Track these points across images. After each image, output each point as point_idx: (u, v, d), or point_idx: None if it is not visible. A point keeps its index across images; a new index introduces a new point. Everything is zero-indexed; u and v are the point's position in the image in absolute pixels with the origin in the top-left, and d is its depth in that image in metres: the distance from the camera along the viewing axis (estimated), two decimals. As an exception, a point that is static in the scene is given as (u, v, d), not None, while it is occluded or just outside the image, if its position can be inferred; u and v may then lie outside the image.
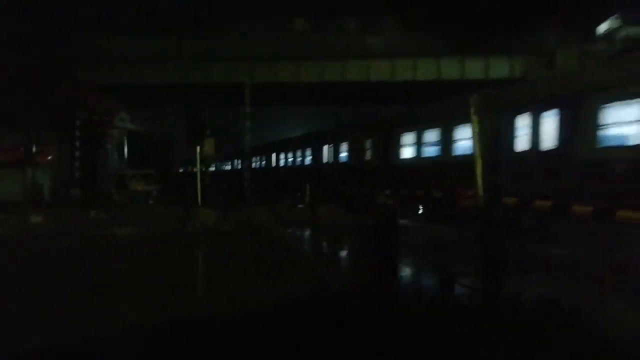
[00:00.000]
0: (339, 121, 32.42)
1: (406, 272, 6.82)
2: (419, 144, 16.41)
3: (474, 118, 9.26)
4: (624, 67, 10.68)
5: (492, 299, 5.30)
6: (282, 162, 32.79)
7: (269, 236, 9.76)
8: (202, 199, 12.25)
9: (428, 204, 13.50)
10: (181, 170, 44.81)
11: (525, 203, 10.31)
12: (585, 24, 22.37)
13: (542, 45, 22.37)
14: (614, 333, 4.07)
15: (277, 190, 20.94)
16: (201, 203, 12.03)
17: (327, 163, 24.25)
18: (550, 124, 10.81)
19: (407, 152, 17.18)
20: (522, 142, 11.93)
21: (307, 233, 10.45)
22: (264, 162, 37.65)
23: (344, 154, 22.64)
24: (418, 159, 16.37)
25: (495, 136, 12.20)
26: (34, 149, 16.43)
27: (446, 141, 14.78)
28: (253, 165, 34.66)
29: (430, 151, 15.70)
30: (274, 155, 34.78)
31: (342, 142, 22.81)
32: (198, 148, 13.34)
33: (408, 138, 17.07)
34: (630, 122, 9.06)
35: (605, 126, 9.57)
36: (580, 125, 10.07)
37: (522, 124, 11.89)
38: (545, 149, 10.87)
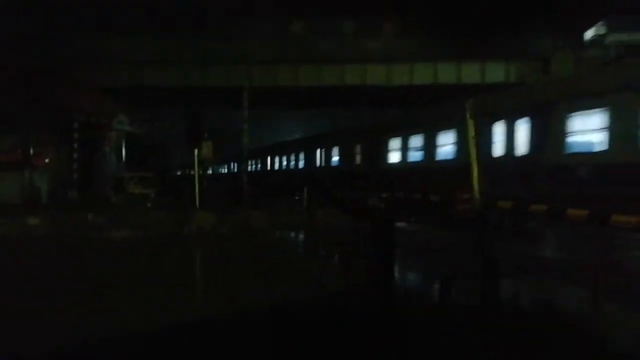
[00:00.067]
0: (337, 124, 32.57)
1: (403, 274, 6.89)
2: (404, 149, 17.22)
3: (470, 122, 9.36)
4: (586, 79, 11.76)
5: (490, 300, 5.37)
6: (277, 166, 33.18)
7: (267, 239, 9.81)
8: (199, 202, 12.30)
9: (420, 206, 13.87)
10: (179, 173, 44.76)
11: (521, 207, 10.53)
12: (581, 29, 22.58)
13: (538, 51, 22.56)
14: (613, 333, 4.15)
15: (273, 193, 21.02)
16: (199, 206, 12.08)
17: (320, 167, 24.63)
18: (523, 132, 11.51)
19: (394, 157, 17.95)
20: (498, 148, 12.62)
21: (304, 236, 10.52)
22: (259, 166, 37.89)
23: (335, 159, 23.24)
24: (403, 164, 17.13)
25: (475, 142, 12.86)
26: (31, 151, 16.45)
27: (428, 147, 15.59)
28: (250, 168, 34.86)
29: (415, 156, 16.54)
30: (269, 159, 35.19)
31: (334, 147, 23.40)
32: (196, 151, 13.38)
33: (394, 144, 17.85)
34: (593, 130, 9.87)
35: (571, 134, 10.36)
36: (548, 133, 10.82)
37: (499, 131, 12.58)
38: (519, 155, 11.55)
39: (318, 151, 25.12)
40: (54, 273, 6.45)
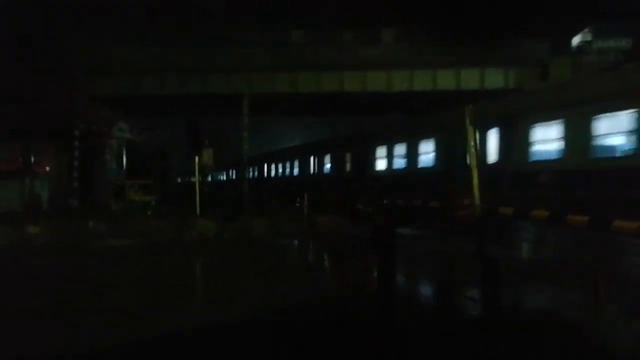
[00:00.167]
0: (338, 130, 32.71)
1: (404, 278, 6.89)
2: (389, 157, 18.15)
3: (470, 129, 9.40)
4: (546, 93, 13.10)
5: (491, 306, 5.38)
6: (272, 173, 34.00)
7: (267, 247, 9.81)
8: (200, 209, 12.30)
9: (405, 212, 14.51)
10: (179, 180, 44.77)
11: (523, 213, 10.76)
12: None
13: (537, 57, 22.65)
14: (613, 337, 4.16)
15: (271, 199, 21.15)
16: (200, 213, 12.08)
17: (314, 174, 25.40)
18: (493, 141, 12.34)
19: (381, 165, 18.87)
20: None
21: (305, 243, 10.51)
22: (256, 173, 38.38)
23: (327, 166, 24.07)
24: (390, 171, 18.03)
25: (452, 151, 14.11)
26: (32, 160, 16.48)
27: (410, 155, 16.69)
28: (249, 175, 35.28)
29: (400, 163, 17.52)
30: (265, 166, 35.88)
31: (326, 154, 24.27)
32: (197, 158, 13.41)
33: (380, 152, 18.85)
34: (552, 140, 10.94)
35: (533, 144, 11.38)
36: (514, 142, 11.80)
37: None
38: (490, 163, 12.25)
39: (311, 159, 25.86)
40: (53, 283, 6.45)
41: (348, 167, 21.52)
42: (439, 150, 15.00)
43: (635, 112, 8.97)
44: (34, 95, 16.07)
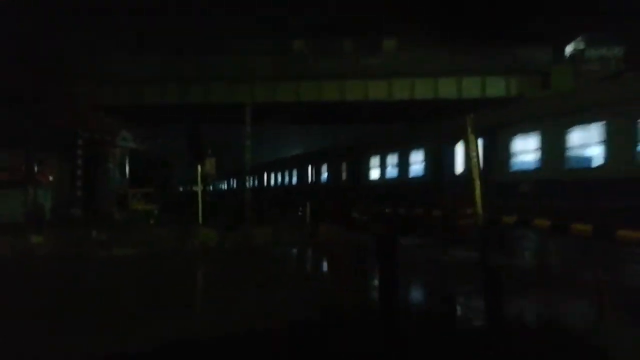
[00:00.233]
0: (339, 139, 32.83)
1: (405, 287, 6.88)
2: (382, 167, 18.68)
3: (471, 138, 9.46)
4: (524, 107, 13.70)
5: (493, 314, 5.37)
6: (272, 182, 34.24)
7: (269, 256, 9.81)
8: (202, 218, 12.32)
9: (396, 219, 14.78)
10: (181, 189, 44.84)
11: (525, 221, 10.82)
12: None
13: (538, 65, 22.73)
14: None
15: (271, 207, 21.17)
16: (202, 222, 12.10)
17: (312, 183, 25.62)
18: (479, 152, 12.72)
19: (374, 174, 19.41)
20: (458, 166, 14.10)
21: (308, 252, 10.52)
22: (257, 181, 38.57)
23: (325, 175, 24.72)
24: (382, 180, 18.47)
25: (440, 161, 14.63)
26: (35, 169, 16.53)
27: (402, 165, 17.17)
28: (248, 183, 35.52)
29: (392, 173, 18.02)
30: (265, 175, 36.10)
31: (323, 164, 24.92)
32: (199, 167, 13.47)
33: (374, 162, 19.40)
34: (530, 152, 11.34)
35: (513, 155, 11.81)
36: (495, 154, 12.29)
37: (459, 151, 14.03)
38: None
39: (310, 168, 26.09)
40: (56, 293, 6.46)
41: (344, 176, 21.85)
42: (428, 160, 15.48)
43: (603, 124, 9.37)
44: (34, 95, 16.09)
